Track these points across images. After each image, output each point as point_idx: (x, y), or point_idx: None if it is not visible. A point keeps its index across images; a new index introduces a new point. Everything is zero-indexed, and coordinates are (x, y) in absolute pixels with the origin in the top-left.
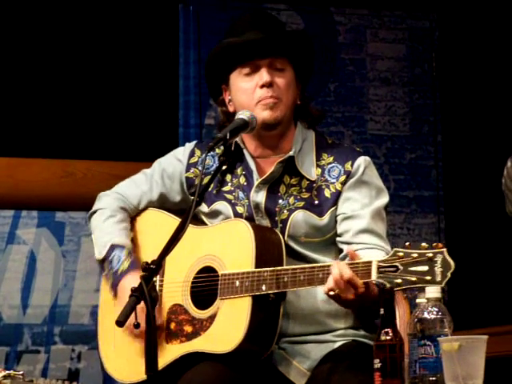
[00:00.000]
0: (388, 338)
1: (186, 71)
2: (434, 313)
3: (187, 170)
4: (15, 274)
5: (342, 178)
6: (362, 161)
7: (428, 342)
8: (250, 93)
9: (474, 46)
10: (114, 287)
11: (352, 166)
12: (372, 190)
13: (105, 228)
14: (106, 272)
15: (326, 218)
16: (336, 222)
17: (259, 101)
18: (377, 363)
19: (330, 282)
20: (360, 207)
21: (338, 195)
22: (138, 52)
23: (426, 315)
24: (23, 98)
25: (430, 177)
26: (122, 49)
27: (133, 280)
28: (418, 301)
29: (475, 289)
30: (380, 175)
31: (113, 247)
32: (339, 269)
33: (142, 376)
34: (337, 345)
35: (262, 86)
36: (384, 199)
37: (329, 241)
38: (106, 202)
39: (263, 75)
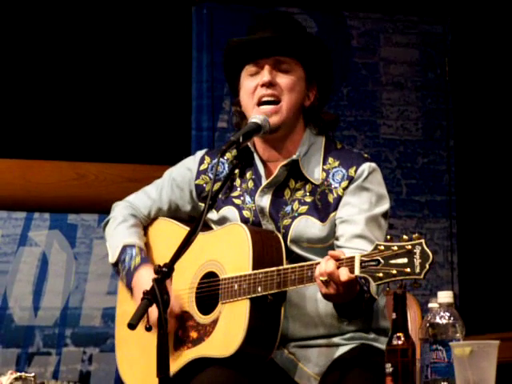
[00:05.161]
0: (400, 342)
1: (199, 74)
2: (446, 318)
3: (197, 178)
4: (27, 276)
5: (344, 183)
6: (367, 167)
7: (440, 347)
8: (251, 92)
9: (487, 51)
10: (129, 285)
11: (356, 171)
12: (372, 197)
13: (117, 233)
14: (121, 273)
15: (327, 224)
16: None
17: (259, 100)
18: (388, 367)
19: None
20: (357, 212)
21: (339, 200)
22: (150, 55)
23: (437, 320)
24: (36, 100)
25: (442, 181)
26: (135, 52)
27: (146, 273)
28: (429, 305)
29: (487, 294)
30: (392, 179)
31: (124, 248)
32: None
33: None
34: (345, 349)
35: (263, 85)
36: (383, 207)
37: (331, 247)
38: (118, 210)
39: (264, 74)
